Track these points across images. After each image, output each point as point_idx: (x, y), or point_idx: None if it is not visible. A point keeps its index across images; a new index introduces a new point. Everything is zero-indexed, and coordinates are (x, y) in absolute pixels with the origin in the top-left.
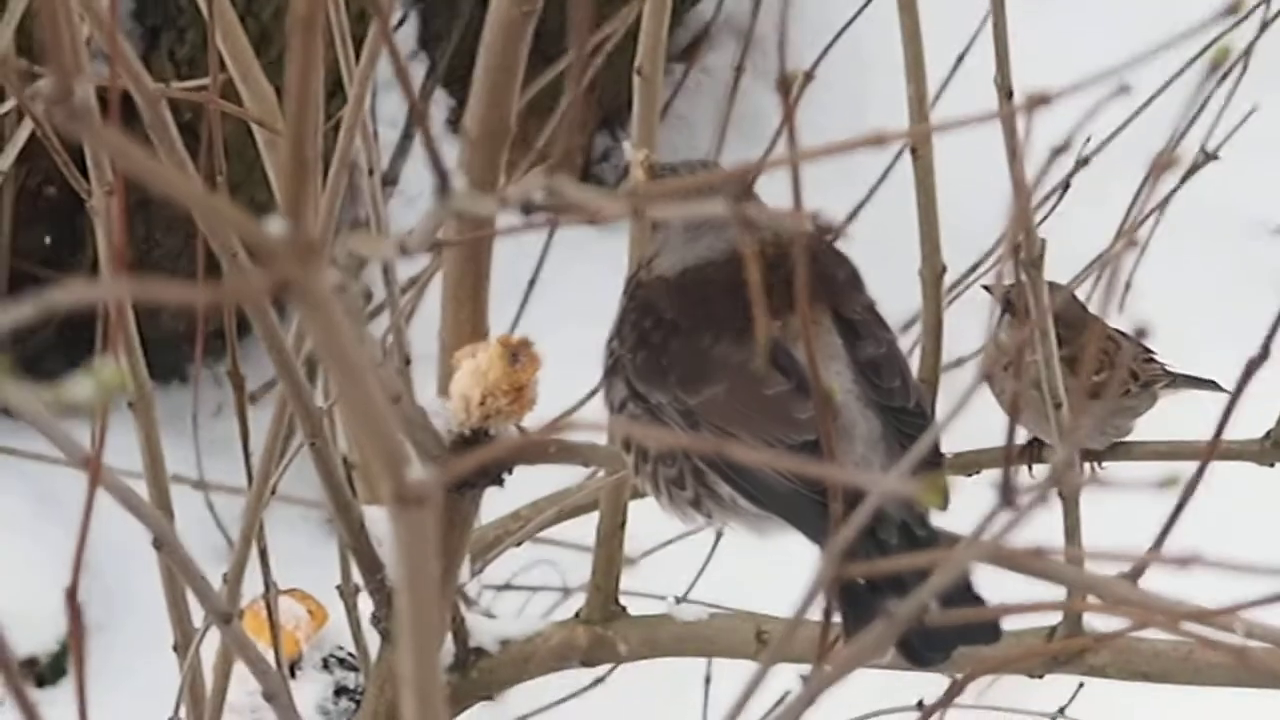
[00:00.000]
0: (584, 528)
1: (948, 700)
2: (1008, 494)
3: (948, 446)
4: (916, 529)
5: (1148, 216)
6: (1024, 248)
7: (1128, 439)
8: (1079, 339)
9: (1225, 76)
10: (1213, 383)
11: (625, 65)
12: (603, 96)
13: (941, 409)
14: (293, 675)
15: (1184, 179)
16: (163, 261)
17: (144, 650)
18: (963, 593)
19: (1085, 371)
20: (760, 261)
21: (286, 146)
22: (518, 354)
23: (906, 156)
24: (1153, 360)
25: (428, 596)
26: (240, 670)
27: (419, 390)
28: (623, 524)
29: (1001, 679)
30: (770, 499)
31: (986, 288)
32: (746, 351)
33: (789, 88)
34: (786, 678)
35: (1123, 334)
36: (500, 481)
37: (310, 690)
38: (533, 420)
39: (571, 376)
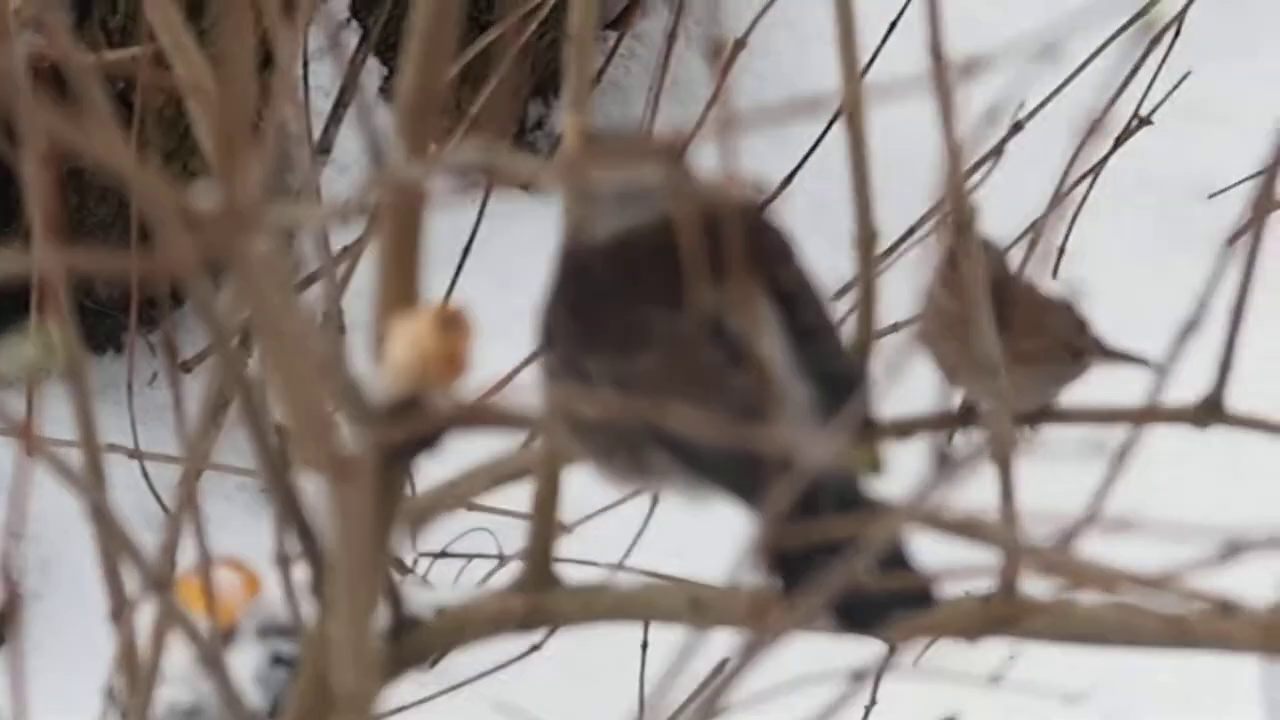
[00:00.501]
0: (521, 495)
1: (883, 665)
2: (942, 459)
3: (883, 412)
4: (851, 495)
5: (1079, 181)
6: (957, 212)
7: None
8: (1008, 303)
9: (1157, 43)
10: (1146, 360)
11: (557, 32)
12: (536, 64)
13: (876, 374)
14: (228, 643)
15: (1117, 144)
16: (95, 230)
17: (80, 619)
18: (898, 559)
19: (1014, 336)
20: (693, 229)
21: (217, 115)
22: (451, 321)
23: (840, 124)
24: (1085, 332)
25: (361, 565)
26: (176, 639)
27: (352, 358)
28: (557, 492)
29: (937, 644)
30: (704, 467)
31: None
32: (679, 320)
33: (720, 53)
34: (723, 644)
35: (1053, 300)
36: (434, 449)
37: (246, 659)
38: (467, 388)
39: (506, 344)
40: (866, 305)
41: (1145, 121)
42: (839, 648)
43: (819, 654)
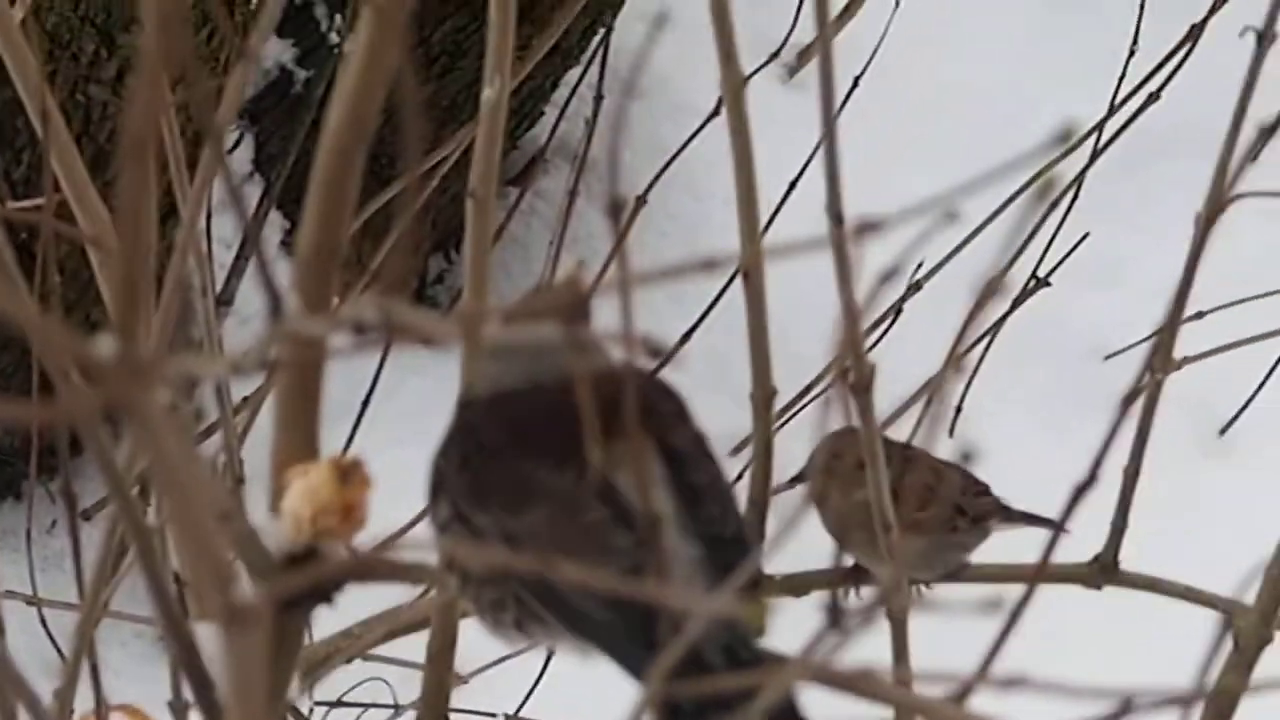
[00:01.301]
0: (416, 645)
1: None
2: (835, 615)
3: (777, 568)
4: (741, 651)
5: (977, 342)
6: (853, 372)
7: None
8: (898, 472)
9: (1055, 205)
10: (1049, 520)
11: (459, 188)
12: (437, 219)
13: (771, 530)
14: None
15: (1014, 305)
16: None
17: None
18: (789, 714)
19: (905, 506)
20: (586, 387)
21: (118, 266)
22: (349, 474)
23: (738, 282)
24: (986, 494)
25: (256, 714)
26: None
27: (250, 509)
28: (452, 643)
29: None
30: (587, 628)
31: (797, 480)
32: (566, 478)
33: (619, 211)
34: None
35: (949, 464)
36: (330, 600)
37: None
38: (363, 540)
39: (402, 497)
40: (763, 462)
41: (1043, 282)
42: None
43: None
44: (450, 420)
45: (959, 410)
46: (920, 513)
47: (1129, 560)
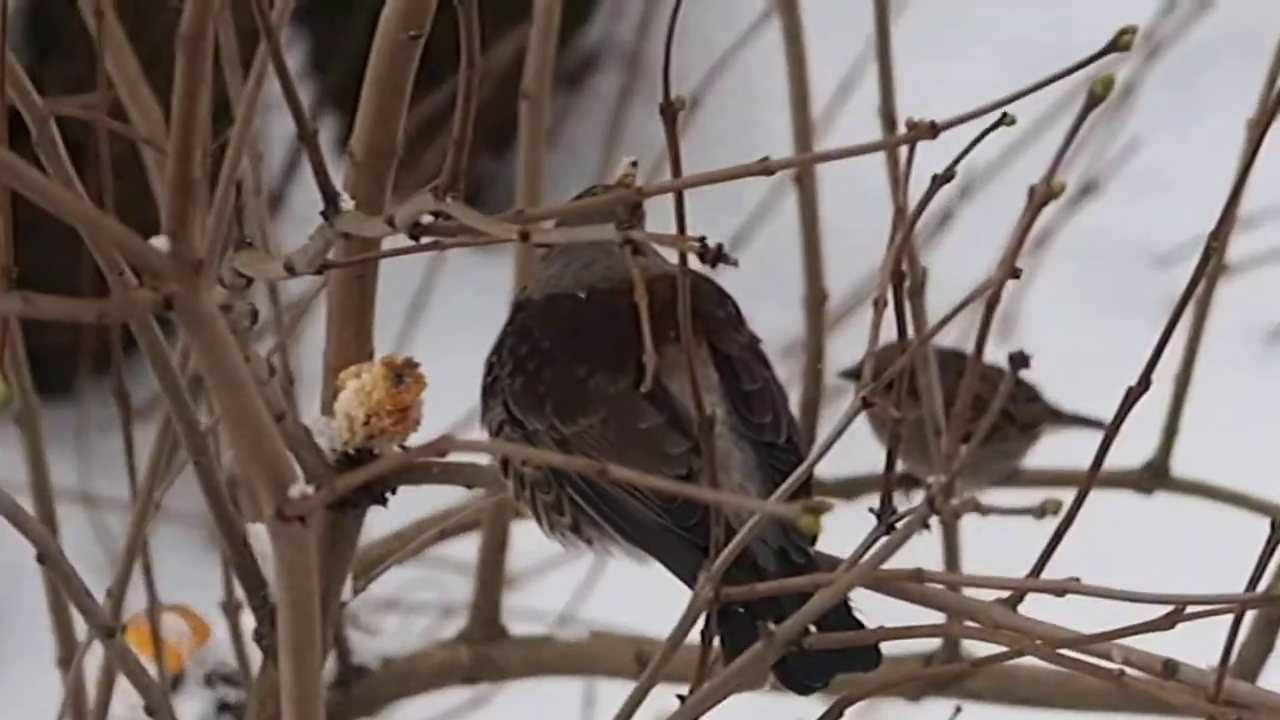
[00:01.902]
0: (468, 547)
1: None
2: (886, 518)
3: (828, 471)
4: (794, 555)
5: (1023, 244)
6: (906, 275)
7: None
8: (949, 380)
9: (1106, 110)
10: (1098, 422)
11: (512, 89)
12: (489, 120)
13: (822, 435)
14: (175, 690)
15: (1067, 210)
16: (49, 279)
17: (29, 665)
18: (841, 617)
19: (958, 415)
20: (640, 293)
21: (172, 165)
22: (402, 375)
23: (790, 185)
24: (1035, 399)
25: (309, 613)
26: (123, 685)
27: (303, 409)
28: (504, 544)
29: (880, 704)
30: (641, 534)
31: (850, 374)
32: (621, 383)
33: (673, 114)
34: (667, 699)
35: (999, 370)
36: (384, 501)
37: (192, 706)
38: (417, 441)
39: (456, 398)
40: (814, 365)
41: (1091, 188)
42: (782, 706)
43: (763, 712)
44: (504, 323)
45: (1011, 316)
46: (970, 422)
47: (1180, 465)
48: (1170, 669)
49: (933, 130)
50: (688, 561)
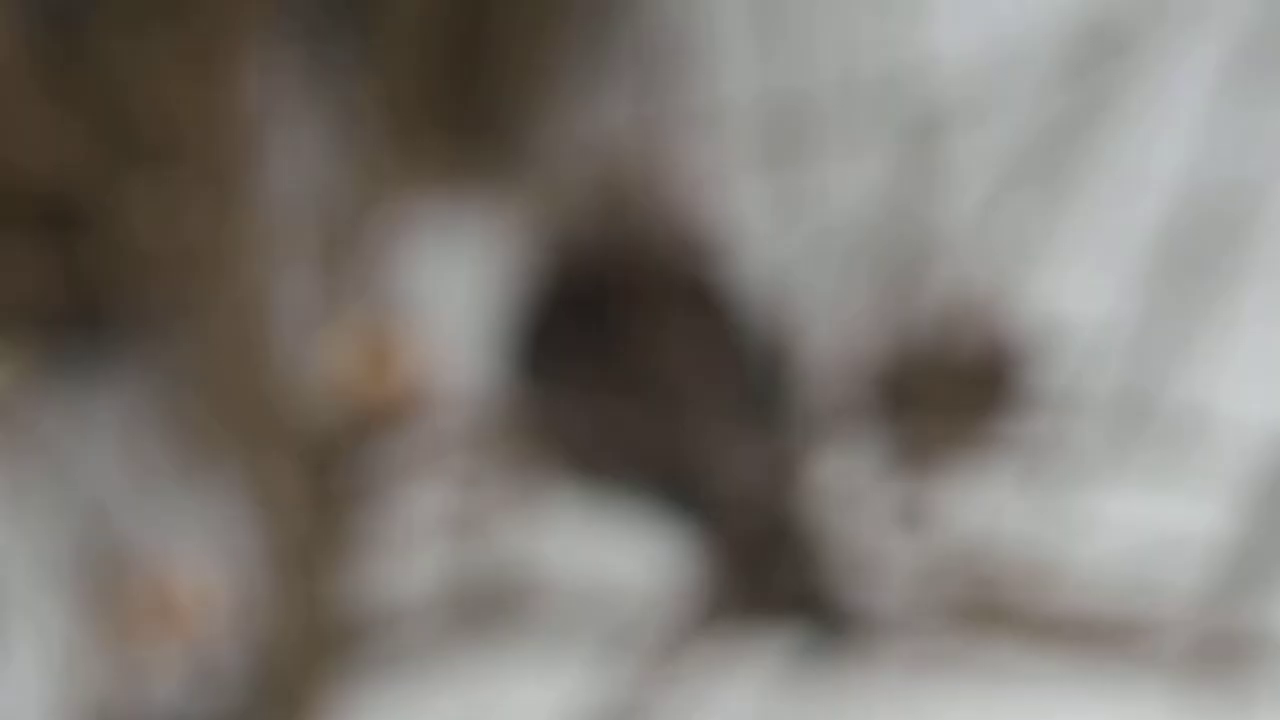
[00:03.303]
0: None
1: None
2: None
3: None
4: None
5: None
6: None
7: None
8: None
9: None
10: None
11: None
12: (509, 62)
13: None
14: (180, 649)
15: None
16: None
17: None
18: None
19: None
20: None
21: (166, 104)
22: (394, 323)
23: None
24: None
25: (305, 551)
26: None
27: (296, 355)
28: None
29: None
30: (627, 488)
31: None
32: (629, 332)
33: (678, 57)
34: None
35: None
36: (376, 447)
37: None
38: (410, 388)
39: (452, 346)
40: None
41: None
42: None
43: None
44: (505, 276)
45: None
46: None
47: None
48: None
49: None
50: (675, 518)
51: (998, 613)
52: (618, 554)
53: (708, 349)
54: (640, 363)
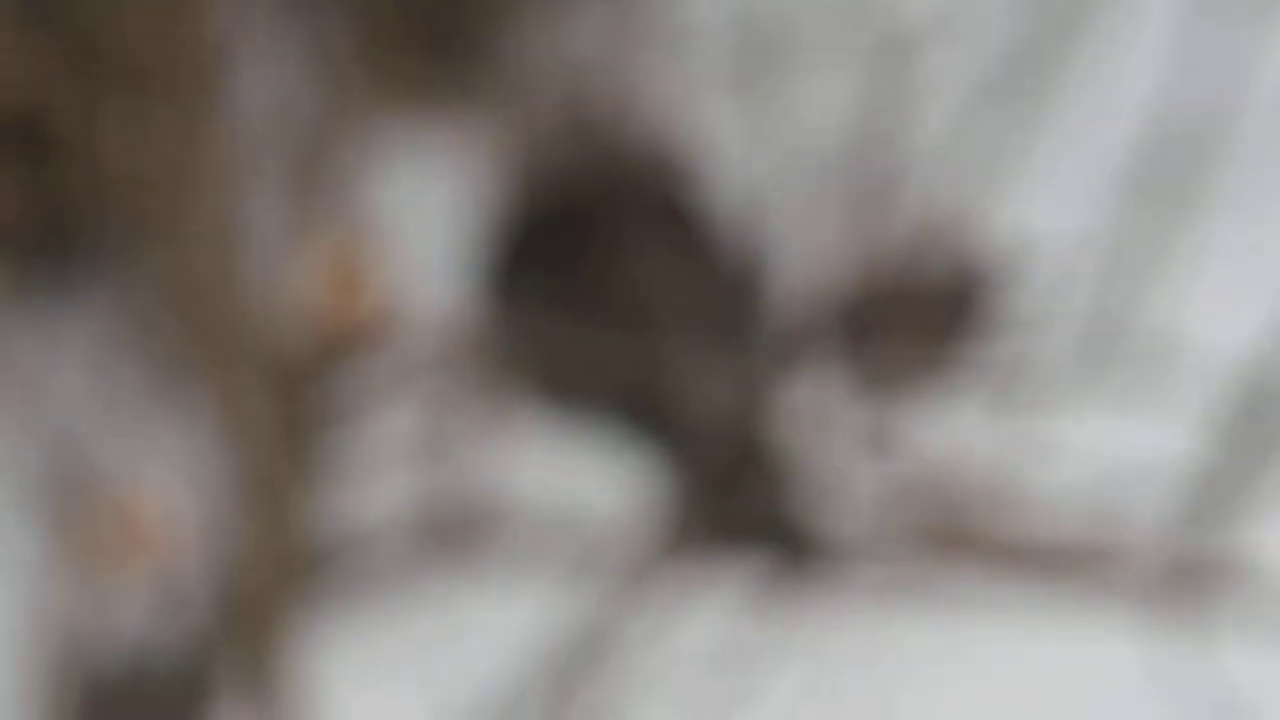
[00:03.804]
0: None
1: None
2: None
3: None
4: (771, 435)
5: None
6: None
7: None
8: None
9: None
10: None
11: None
12: None
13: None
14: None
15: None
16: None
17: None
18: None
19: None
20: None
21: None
22: (362, 243)
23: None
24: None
25: (275, 472)
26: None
27: (267, 276)
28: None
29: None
30: (598, 414)
31: None
32: (606, 257)
33: None
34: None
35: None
36: (345, 367)
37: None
38: (377, 309)
39: (417, 267)
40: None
41: None
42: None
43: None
44: (476, 198)
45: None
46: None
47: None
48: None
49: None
50: (647, 443)
51: (964, 538)
52: (587, 478)
53: (679, 270)
54: (612, 284)
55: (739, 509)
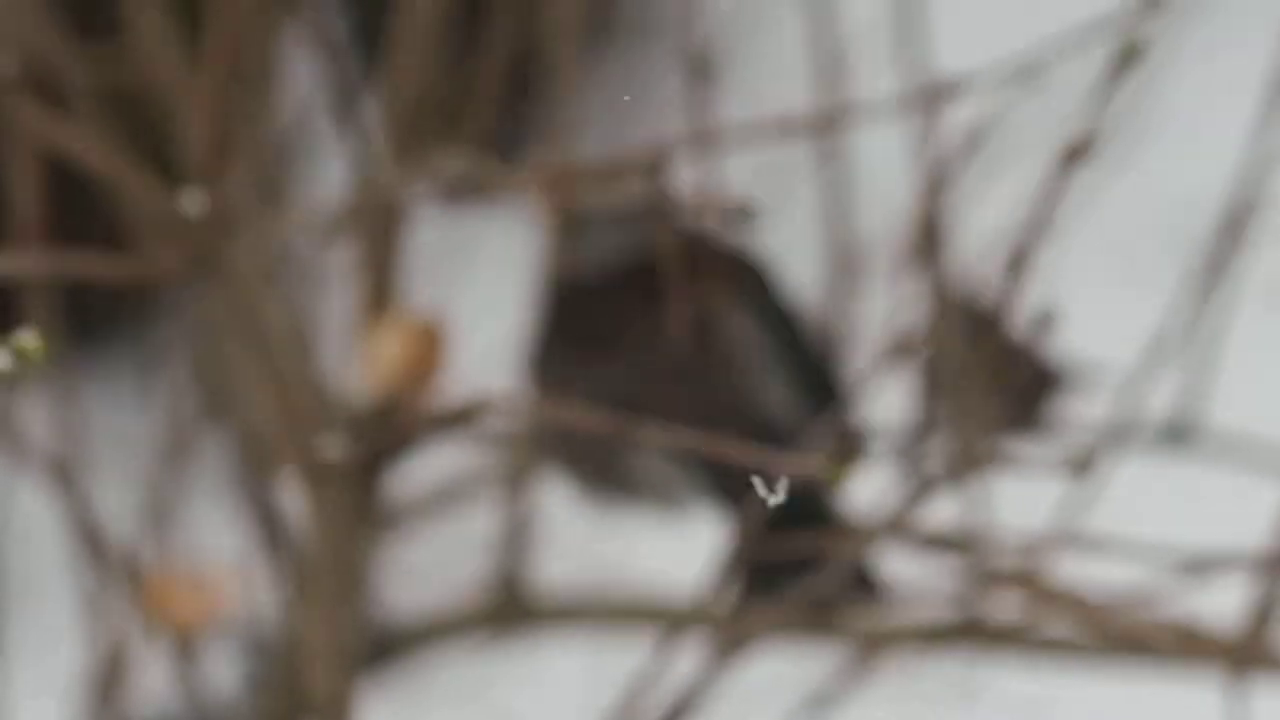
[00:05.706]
0: (494, 502)
1: (847, 679)
2: (913, 472)
3: (857, 425)
4: (820, 507)
5: (1056, 203)
6: (931, 235)
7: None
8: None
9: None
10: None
11: (542, 49)
12: (519, 79)
13: (853, 388)
14: (200, 646)
15: (1090, 166)
16: (77, 239)
17: (53, 619)
18: (865, 570)
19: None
20: (675, 253)
21: (204, 116)
22: (428, 329)
23: (815, 144)
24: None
25: (338, 567)
26: (148, 640)
27: (330, 363)
28: (530, 499)
29: (899, 660)
30: (687, 470)
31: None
32: (661, 337)
33: (700, 72)
34: (692, 655)
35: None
36: (411, 456)
37: (217, 662)
38: (443, 396)
39: (481, 353)
40: (844, 322)
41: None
42: (803, 667)
43: (781, 676)
44: (540, 292)
45: (1034, 273)
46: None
47: (1211, 421)
48: (1193, 624)
49: (959, 88)
50: (727, 497)
51: (1029, 587)
52: (652, 531)
53: (754, 331)
54: (686, 344)
55: (802, 557)
